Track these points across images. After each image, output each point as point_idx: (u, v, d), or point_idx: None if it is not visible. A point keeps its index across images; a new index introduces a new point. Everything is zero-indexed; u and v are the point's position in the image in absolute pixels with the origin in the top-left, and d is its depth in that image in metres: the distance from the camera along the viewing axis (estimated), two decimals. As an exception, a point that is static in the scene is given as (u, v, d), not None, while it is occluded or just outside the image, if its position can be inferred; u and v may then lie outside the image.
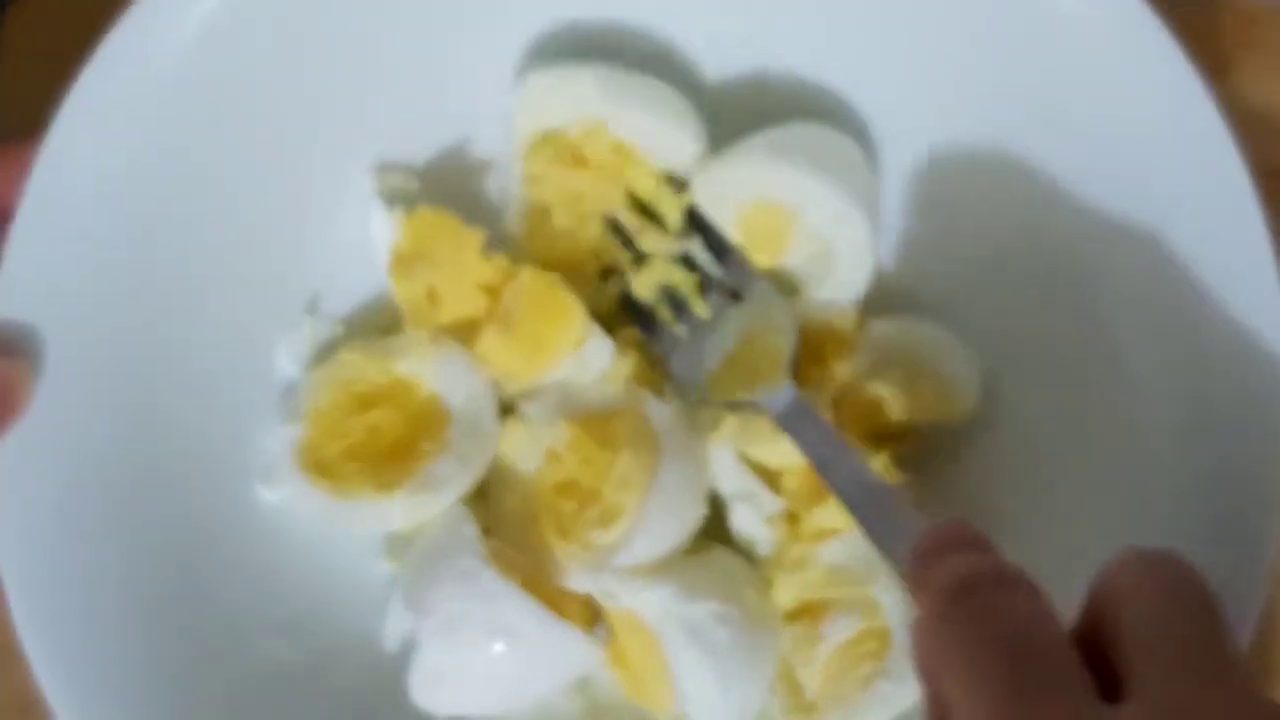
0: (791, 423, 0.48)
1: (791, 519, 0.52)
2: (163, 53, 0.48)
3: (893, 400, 0.53)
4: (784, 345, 0.51)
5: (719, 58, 0.57)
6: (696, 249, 0.54)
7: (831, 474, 0.46)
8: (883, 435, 0.53)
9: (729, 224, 0.54)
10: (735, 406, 0.51)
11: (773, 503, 0.51)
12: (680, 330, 0.53)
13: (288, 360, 0.54)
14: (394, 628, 0.53)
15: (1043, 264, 0.52)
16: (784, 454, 0.51)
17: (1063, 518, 0.50)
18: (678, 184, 0.55)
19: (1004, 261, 0.54)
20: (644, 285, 0.54)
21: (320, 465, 0.51)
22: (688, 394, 0.53)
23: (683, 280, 0.54)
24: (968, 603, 0.35)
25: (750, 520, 0.52)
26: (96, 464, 0.48)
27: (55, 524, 0.46)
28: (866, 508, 0.44)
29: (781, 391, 0.49)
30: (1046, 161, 0.51)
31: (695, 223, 0.54)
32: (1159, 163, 0.48)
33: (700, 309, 0.53)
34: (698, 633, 0.48)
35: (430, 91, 0.56)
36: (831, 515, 0.50)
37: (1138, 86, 0.48)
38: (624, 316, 0.55)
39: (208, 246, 0.51)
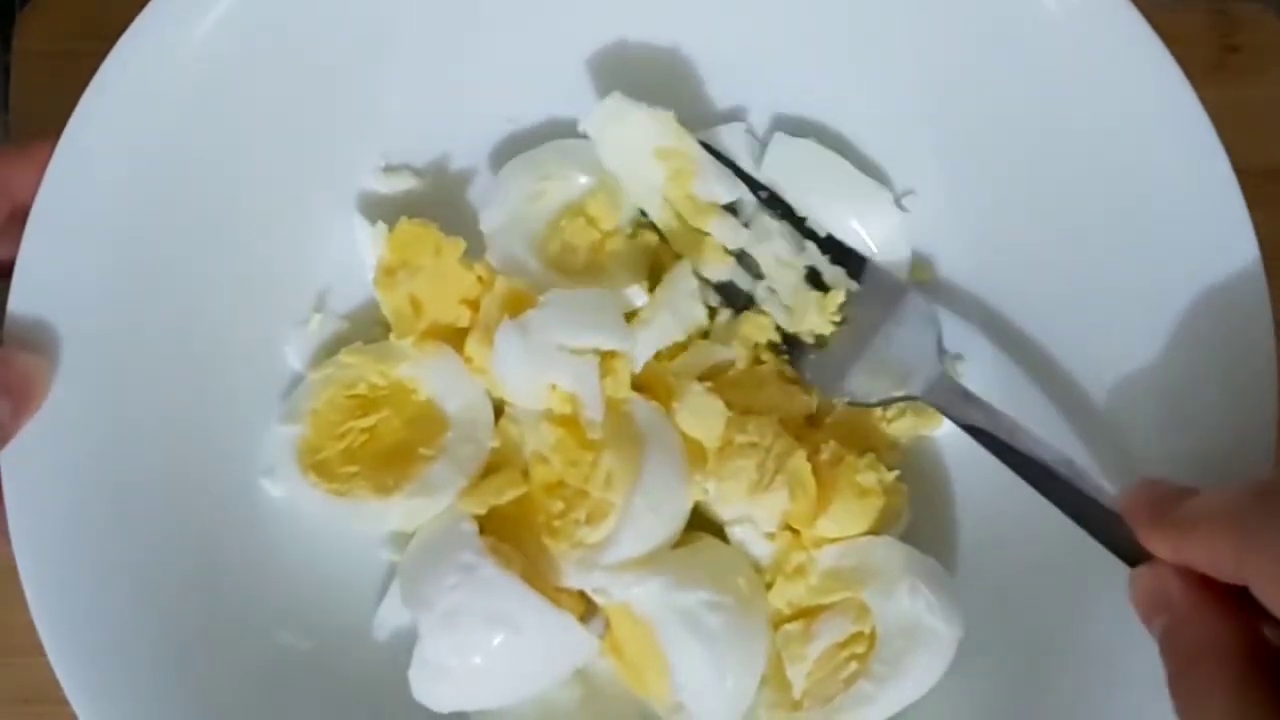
0: (950, 405, 0.49)
1: (791, 529, 0.52)
2: (175, 55, 0.49)
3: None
4: (927, 338, 0.51)
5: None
6: (820, 261, 0.55)
7: (1004, 453, 0.47)
8: (868, 446, 0.54)
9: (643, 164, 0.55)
10: (889, 403, 0.52)
11: (768, 521, 0.52)
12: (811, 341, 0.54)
13: (296, 356, 0.55)
14: (386, 617, 0.53)
15: (1030, 260, 0.53)
16: (765, 506, 0.51)
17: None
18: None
19: (994, 253, 0.55)
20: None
21: (319, 466, 0.52)
22: (836, 399, 0.54)
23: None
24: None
25: (750, 538, 0.52)
26: (109, 459, 0.48)
27: (69, 517, 0.47)
28: (1046, 479, 0.45)
29: (935, 379, 0.50)
30: (1037, 162, 0.52)
31: (816, 238, 0.55)
32: (1147, 163, 0.49)
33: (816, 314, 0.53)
34: (691, 621, 0.49)
35: (433, 97, 0.56)
36: (830, 525, 0.51)
37: (1126, 89, 0.49)
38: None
39: (219, 245, 0.52)
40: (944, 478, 0.55)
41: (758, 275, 0.55)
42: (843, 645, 0.49)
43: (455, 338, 0.55)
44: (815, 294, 0.54)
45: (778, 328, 0.55)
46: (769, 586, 0.52)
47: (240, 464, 0.52)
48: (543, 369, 0.51)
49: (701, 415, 0.52)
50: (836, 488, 0.52)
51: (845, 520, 0.51)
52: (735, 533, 0.53)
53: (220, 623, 0.50)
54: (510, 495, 0.51)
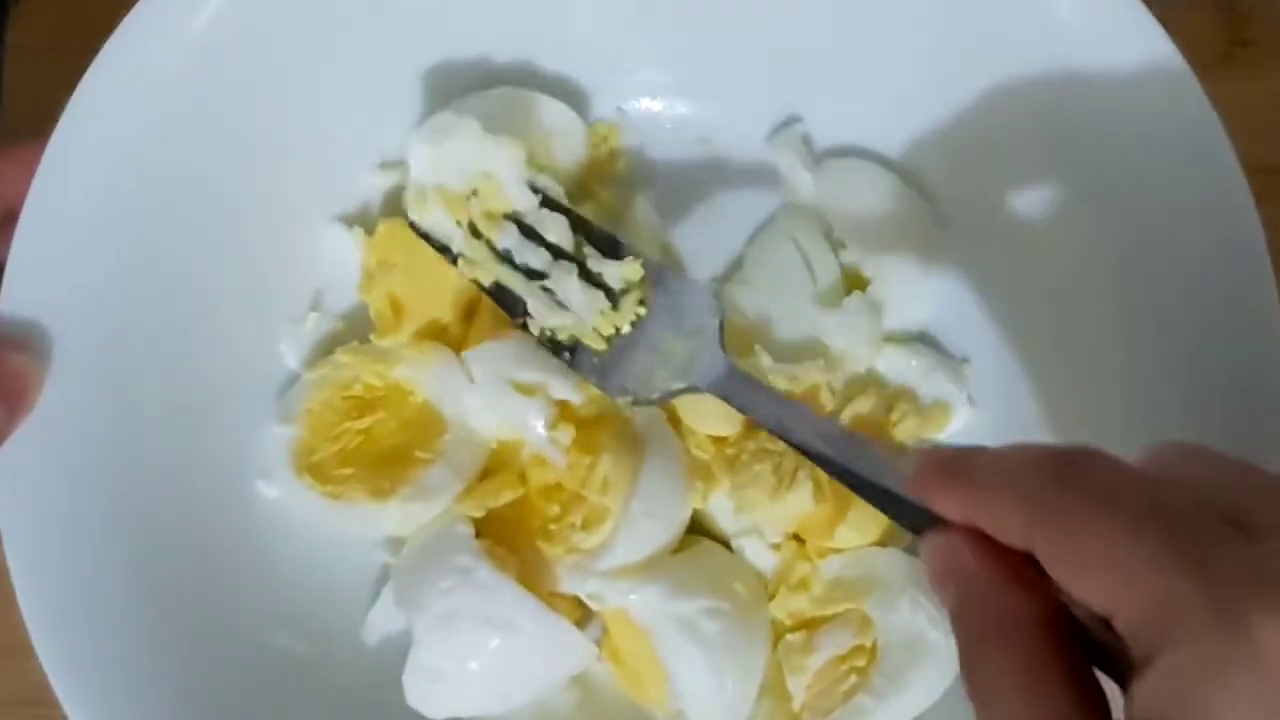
0: (733, 394, 0.47)
1: (797, 539, 0.52)
2: (168, 52, 0.48)
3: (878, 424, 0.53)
4: (709, 326, 0.48)
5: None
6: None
7: (790, 434, 0.44)
8: None
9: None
10: (671, 396, 0.49)
11: (774, 532, 0.52)
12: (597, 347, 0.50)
13: (291, 355, 0.55)
14: (377, 621, 0.53)
15: (1040, 253, 0.53)
16: (788, 508, 0.51)
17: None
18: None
19: (1000, 252, 0.54)
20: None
21: (314, 469, 0.51)
22: (618, 398, 0.50)
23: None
24: (1074, 471, 0.33)
25: (756, 551, 0.52)
26: (103, 460, 0.48)
27: (63, 520, 0.46)
28: (837, 454, 0.42)
29: (716, 367, 0.47)
30: (1044, 160, 0.52)
31: (594, 237, 0.51)
32: (1155, 159, 0.48)
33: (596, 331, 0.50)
34: (690, 629, 0.48)
35: (433, 90, 0.56)
36: (848, 534, 0.51)
37: (1134, 85, 0.48)
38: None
39: (211, 244, 0.51)
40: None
41: (534, 276, 0.51)
42: (844, 658, 0.49)
43: (455, 340, 0.54)
44: (598, 296, 0.50)
45: (550, 334, 0.50)
46: (771, 597, 0.52)
47: (235, 465, 0.52)
48: (493, 403, 0.51)
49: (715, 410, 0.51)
50: (851, 495, 0.51)
51: (863, 527, 0.51)
52: (740, 545, 0.52)
53: (215, 625, 0.49)
54: (507, 497, 0.51)
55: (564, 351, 0.50)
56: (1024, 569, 0.34)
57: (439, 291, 0.54)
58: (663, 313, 0.50)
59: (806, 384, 0.54)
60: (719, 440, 0.52)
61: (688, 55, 0.57)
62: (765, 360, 0.54)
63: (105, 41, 0.48)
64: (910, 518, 0.38)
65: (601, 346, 0.50)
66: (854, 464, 0.42)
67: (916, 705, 0.48)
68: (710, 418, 0.52)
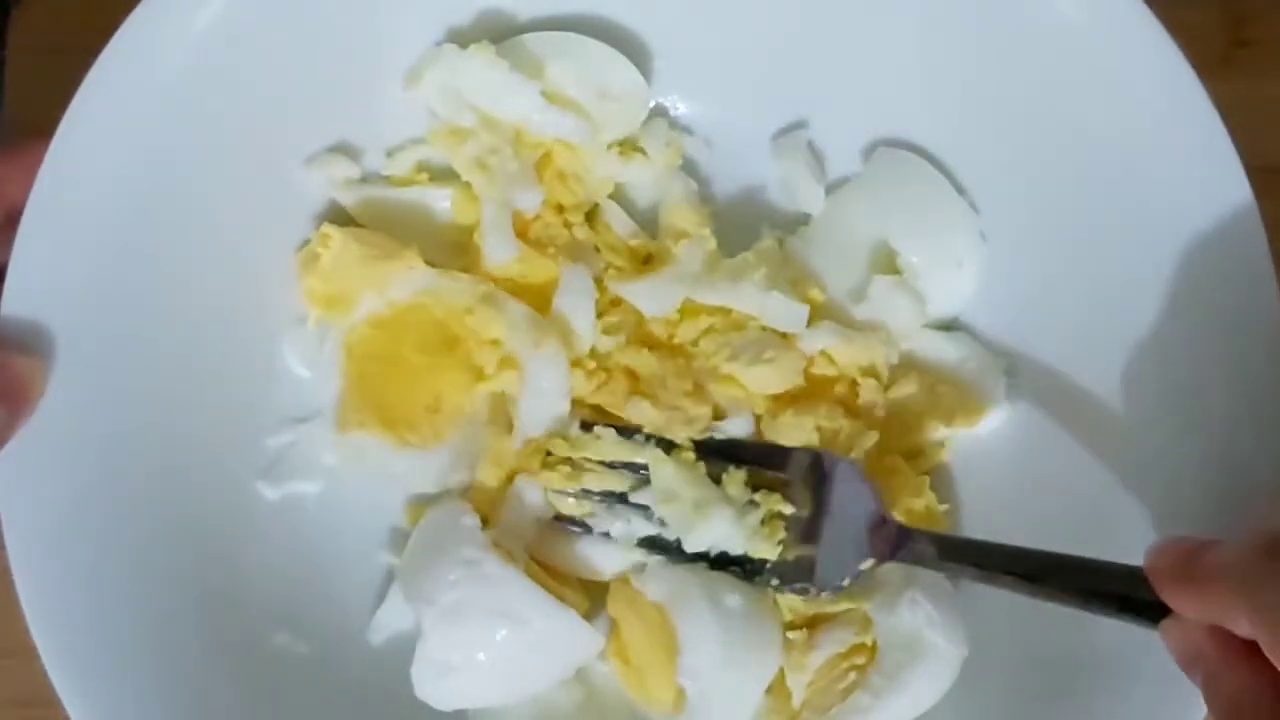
0: (920, 555, 0.47)
1: None
2: (169, 53, 0.48)
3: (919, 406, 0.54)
4: (866, 496, 0.49)
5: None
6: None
7: (987, 565, 0.45)
8: (916, 453, 0.54)
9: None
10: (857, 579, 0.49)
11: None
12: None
13: (293, 355, 0.54)
14: (383, 621, 0.53)
15: (1043, 258, 0.53)
16: None
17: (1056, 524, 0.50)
18: None
19: (1003, 254, 0.54)
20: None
21: (352, 351, 0.53)
22: (810, 600, 0.50)
23: None
24: None
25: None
26: (105, 462, 0.48)
27: (65, 521, 0.46)
28: (1042, 572, 0.44)
29: (893, 535, 0.48)
30: (1046, 160, 0.52)
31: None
32: (1157, 159, 0.48)
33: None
34: (714, 598, 0.49)
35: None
36: None
37: (1135, 84, 0.48)
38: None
39: (214, 243, 0.51)
40: (952, 494, 0.54)
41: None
42: (843, 656, 0.49)
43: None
44: (753, 520, 0.50)
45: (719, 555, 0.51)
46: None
47: (237, 466, 0.52)
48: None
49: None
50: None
51: None
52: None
53: (218, 625, 0.49)
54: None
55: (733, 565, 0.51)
56: (1260, 652, 0.36)
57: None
58: (809, 493, 0.50)
59: (866, 357, 0.54)
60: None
61: (689, 55, 0.57)
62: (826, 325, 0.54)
63: (107, 43, 0.48)
64: (1143, 614, 0.40)
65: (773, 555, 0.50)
66: (1067, 578, 0.43)
67: (915, 706, 0.48)
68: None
